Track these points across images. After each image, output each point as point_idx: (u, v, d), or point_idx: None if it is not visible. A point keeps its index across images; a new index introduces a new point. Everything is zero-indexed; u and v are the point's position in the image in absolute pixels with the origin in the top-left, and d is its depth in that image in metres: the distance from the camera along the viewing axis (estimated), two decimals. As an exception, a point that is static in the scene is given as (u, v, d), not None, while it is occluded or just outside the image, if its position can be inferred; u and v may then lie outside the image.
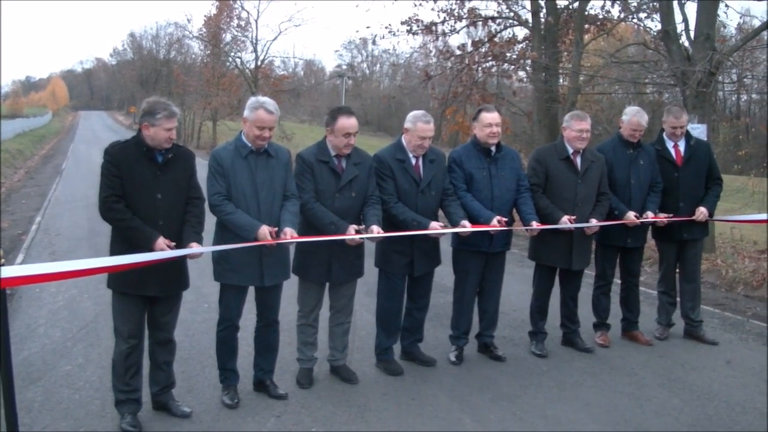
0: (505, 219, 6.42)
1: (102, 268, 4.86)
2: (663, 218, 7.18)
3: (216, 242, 5.57)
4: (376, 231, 5.82)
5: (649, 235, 7.71)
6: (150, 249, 4.94)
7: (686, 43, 12.91)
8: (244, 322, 5.88)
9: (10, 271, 3.99)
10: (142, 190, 5.06)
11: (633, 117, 7.21)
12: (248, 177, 5.51)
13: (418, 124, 6.27)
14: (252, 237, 5.35)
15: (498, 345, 7.04)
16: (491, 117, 6.58)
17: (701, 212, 7.26)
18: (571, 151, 6.88)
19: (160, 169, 5.13)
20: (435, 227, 6.13)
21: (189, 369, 6.44)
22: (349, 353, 6.55)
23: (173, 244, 5.02)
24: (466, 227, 6.25)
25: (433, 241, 6.44)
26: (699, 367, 6.82)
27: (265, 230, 5.34)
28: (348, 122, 5.88)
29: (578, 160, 6.89)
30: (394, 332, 6.64)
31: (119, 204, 4.99)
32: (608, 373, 6.61)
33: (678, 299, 7.72)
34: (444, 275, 7.59)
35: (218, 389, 5.87)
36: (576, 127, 6.84)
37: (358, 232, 5.76)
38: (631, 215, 7.02)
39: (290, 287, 6.12)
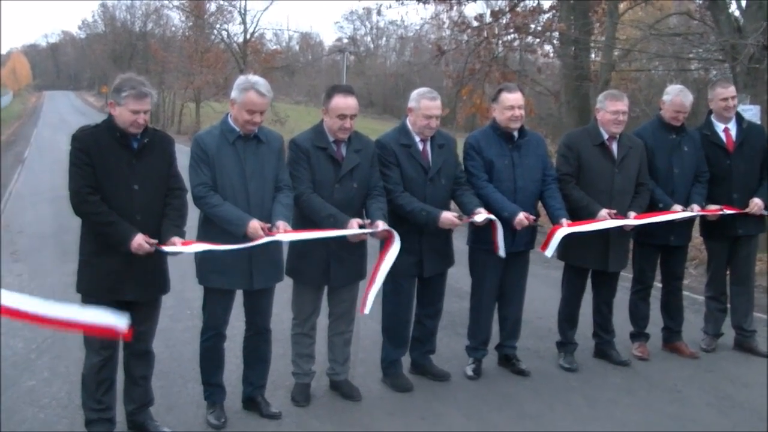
0: (532, 216, 6.40)
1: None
2: (714, 211, 7.13)
3: (200, 239, 5.55)
4: (382, 226, 5.81)
5: (695, 232, 7.68)
6: (126, 248, 4.94)
7: (736, 13, 12.88)
8: (231, 331, 5.88)
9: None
10: (117, 180, 5.04)
11: (676, 97, 7.17)
12: (236, 165, 5.51)
13: (423, 102, 6.27)
14: (241, 232, 5.34)
15: (521, 357, 7.05)
16: (513, 98, 6.55)
17: (756, 204, 7.21)
18: (606, 136, 6.85)
19: (136, 157, 5.11)
20: (448, 218, 6.12)
21: (169, 384, 6.45)
22: (351, 366, 6.56)
23: (154, 241, 5.01)
24: (482, 214, 6.24)
25: (445, 237, 6.44)
26: (751, 384, 6.80)
27: (256, 224, 5.33)
28: (343, 102, 5.87)
29: (614, 146, 6.87)
30: (403, 343, 6.64)
31: (94, 196, 4.98)
32: (647, 390, 6.60)
33: (728, 305, 7.70)
34: (459, 278, 7.59)
35: (202, 407, 5.88)
36: (611, 109, 6.81)
37: (362, 226, 5.76)
38: (678, 208, 7.00)
39: (284, 291, 6.12)
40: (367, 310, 5.90)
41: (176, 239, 5.14)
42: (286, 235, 5.45)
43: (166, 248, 5.09)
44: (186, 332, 7.60)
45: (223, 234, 5.39)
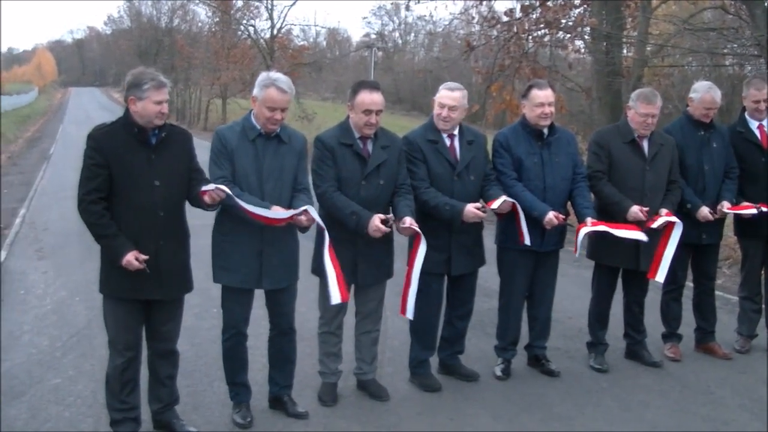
0: (562, 216, 6.39)
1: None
2: (743, 208, 7.08)
3: (216, 236, 5.65)
4: (409, 223, 5.82)
5: (729, 231, 7.62)
6: (118, 264, 4.96)
7: (773, 7, 12.76)
8: (257, 330, 5.91)
9: None
10: (138, 178, 5.05)
11: (706, 94, 7.12)
12: (254, 164, 5.52)
13: (441, 92, 6.34)
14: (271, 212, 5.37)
15: (551, 358, 7.04)
16: (543, 95, 6.54)
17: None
18: (636, 133, 6.83)
19: (155, 152, 5.13)
20: (471, 210, 6.10)
21: (195, 383, 6.50)
22: (378, 366, 6.59)
23: (144, 257, 4.99)
24: (499, 200, 6.25)
25: (476, 235, 6.44)
26: (787, 386, 6.76)
27: (278, 208, 5.38)
28: (369, 97, 5.87)
29: (645, 143, 6.84)
30: (431, 343, 6.65)
31: (98, 205, 4.99)
32: (679, 392, 6.58)
33: (763, 306, 7.65)
34: (488, 277, 7.58)
35: (228, 406, 5.91)
36: (642, 111, 6.75)
37: (384, 221, 5.75)
38: (705, 211, 6.97)
39: (311, 290, 6.16)
40: (409, 315, 5.95)
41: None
42: (312, 209, 5.49)
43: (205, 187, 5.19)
44: (211, 330, 7.63)
45: (241, 224, 5.42)
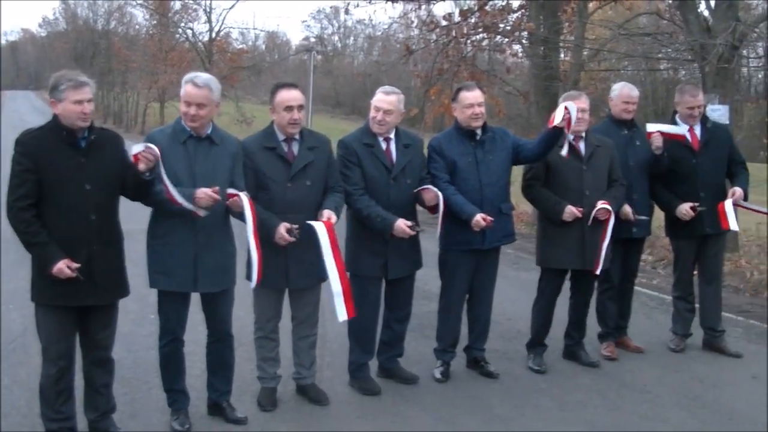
0: (490, 218, 6.40)
1: None
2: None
3: (150, 240, 5.56)
4: (327, 216, 5.80)
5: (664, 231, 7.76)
6: (48, 273, 4.87)
7: (705, 13, 13.00)
8: (196, 336, 5.86)
9: None
10: (67, 181, 4.96)
11: (623, 89, 7.44)
12: (185, 166, 5.44)
13: (377, 95, 6.37)
14: (191, 200, 5.25)
15: (490, 359, 7.06)
16: (472, 96, 6.59)
17: (735, 191, 7.31)
18: (571, 137, 6.89)
19: (85, 156, 5.04)
20: (401, 227, 6.13)
21: (132, 390, 6.41)
22: (318, 370, 6.56)
23: (76, 266, 4.90)
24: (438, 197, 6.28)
25: (412, 239, 6.45)
26: (721, 384, 6.88)
27: (204, 190, 5.26)
28: (288, 94, 5.88)
29: (581, 144, 6.92)
30: (370, 347, 6.65)
31: (27, 212, 4.89)
32: (617, 391, 6.65)
33: (696, 305, 7.78)
34: (428, 280, 7.61)
35: (166, 413, 5.84)
36: None
37: (289, 230, 5.68)
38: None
39: (249, 296, 6.11)
40: (341, 317, 5.87)
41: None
42: (245, 199, 5.41)
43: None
44: (149, 337, 7.53)
45: (176, 226, 5.39)
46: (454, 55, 18.43)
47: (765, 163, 17.70)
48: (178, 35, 43.57)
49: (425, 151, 6.68)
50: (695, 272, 7.77)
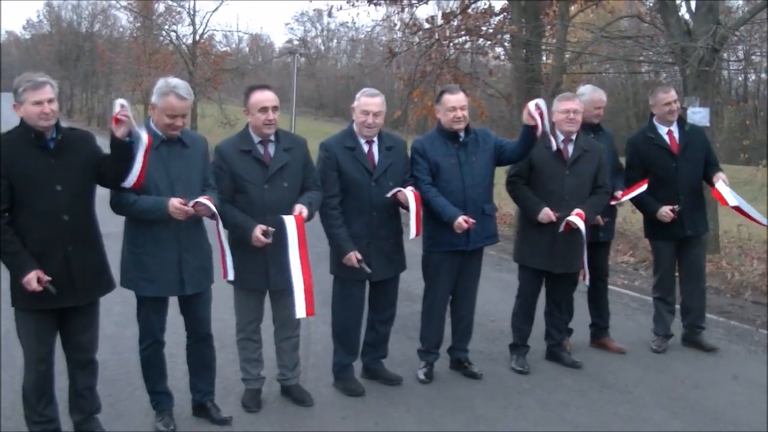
0: (472, 221, 6.41)
1: None
2: (639, 184, 7.36)
3: (131, 249, 5.54)
4: (299, 210, 5.80)
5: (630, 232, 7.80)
6: (20, 283, 4.83)
7: (686, 16, 13.04)
8: (178, 338, 5.84)
9: None
10: (37, 184, 4.91)
11: (593, 93, 7.49)
12: (161, 169, 5.44)
13: (361, 99, 6.34)
14: (164, 214, 5.26)
15: (473, 360, 7.08)
16: (455, 99, 6.59)
17: (719, 176, 7.33)
18: (561, 138, 6.91)
19: (55, 156, 4.99)
20: (351, 258, 6.17)
21: (117, 392, 6.40)
22: (302, 371, 6.55)
23: (47, 279, 4.85)
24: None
25: (395, 241, 6.47)
26: (702, 384, 6.91)
27: (174, 201, 5.25)
28: (262, 95, 5.88)
29: (570, 147, 6.93)
30: (354, 348, 6.65)
31: (0, 220, 4.85)
32: (599, 392, 6.68)
33: (677, 306, 7.82)
34: (411, 281, 7.61)
35: (151, 415, 5.83)
36: (562, 108, 6.87)
37: (264, 232, 5.69)
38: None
39: (231, 297, 6.10)
40: (299, 314, 5.79)
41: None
42: (209, 202, 5.38)
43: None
44: (133, 339, 7.41)
45: (156, 234, 5.40)
46: (437, 57, 18.44)
47: (745, 165, 17.76)
48: (162, 38, 43.37)
49: (408, 153, 6.68)
50: (676, 274, 7.80)
